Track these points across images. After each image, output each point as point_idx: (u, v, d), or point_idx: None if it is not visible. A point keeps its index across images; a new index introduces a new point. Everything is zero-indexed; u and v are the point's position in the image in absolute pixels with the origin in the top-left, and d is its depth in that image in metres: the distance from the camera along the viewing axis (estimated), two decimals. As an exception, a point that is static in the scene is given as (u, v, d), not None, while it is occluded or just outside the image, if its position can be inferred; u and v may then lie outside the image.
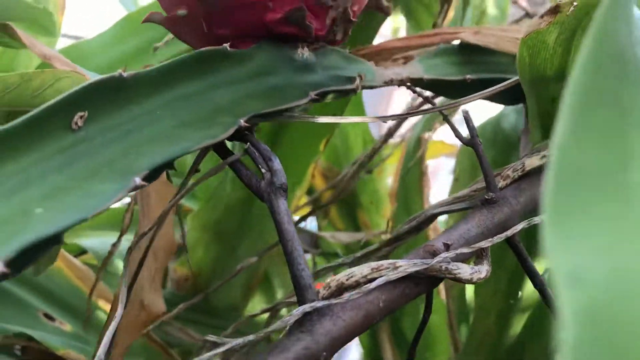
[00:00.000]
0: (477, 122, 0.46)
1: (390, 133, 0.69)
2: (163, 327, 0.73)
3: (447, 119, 0.41)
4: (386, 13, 0.46)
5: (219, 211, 0.77)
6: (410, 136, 0.83)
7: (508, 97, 0.48)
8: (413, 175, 0.80)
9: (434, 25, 0.60)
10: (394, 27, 0.99)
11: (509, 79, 0.46)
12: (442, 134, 0.94)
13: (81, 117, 0.34)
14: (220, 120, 0.38)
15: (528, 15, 0.62)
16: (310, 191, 0.87)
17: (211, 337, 0.51)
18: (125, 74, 0.35)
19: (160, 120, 0.36)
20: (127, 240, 0.86)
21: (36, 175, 0.32)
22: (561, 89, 0.43)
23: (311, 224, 0.95)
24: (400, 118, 0.53)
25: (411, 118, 0.85)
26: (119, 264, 0.83)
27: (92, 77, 0.51)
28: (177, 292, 0.81)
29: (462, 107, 0.40)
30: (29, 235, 0.30)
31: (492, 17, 0.69)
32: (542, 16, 0.41)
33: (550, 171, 0.18)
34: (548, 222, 0.17)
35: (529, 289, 0.57)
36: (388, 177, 0.94)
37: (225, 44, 0.38)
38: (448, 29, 0.56)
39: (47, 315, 0.72)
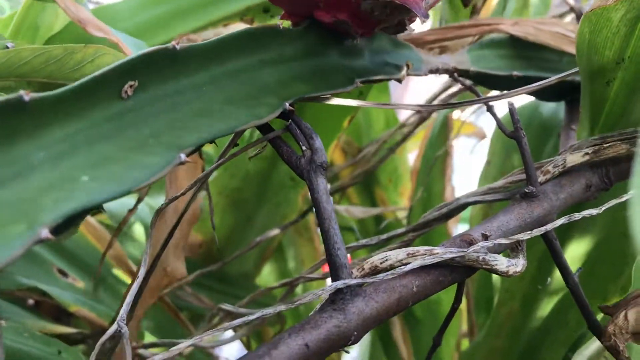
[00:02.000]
0: (503, 112, 0.46)
1: (424, 118, 0.68)
2: (175, 291, 0.74)
3: (491, 111, 0.41)
4: (465, 4, 0.44)
5: (237, 180, 0.77)
6: (437, 116, 0.83)
7: (552, 94, 0.48)
8: (437, 155, 0.80)
9: (472, 14, 0.59)
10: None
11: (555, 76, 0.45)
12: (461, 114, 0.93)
13: (131, 86, 0.34)
14: (266, 101, 0.37)
15: (573, 10, 0.61)
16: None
17: (226, 306, 0.51)
18: (178, 46, 0.34)
19: (208, 95, 0.36)
20: (144, 204, 0.87)
21: (84, 142, 0.32)
22: (617, 72, 0.42)
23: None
24: (444, 107, 0.52)
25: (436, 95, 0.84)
26: (136, 228, 0.83)
27: (125, 39, 0.51)
28: (191, 258, 0.82)
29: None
30: (75, 203, 0.30)
31: (533, 6, 0.68)
32: None
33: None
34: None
35: (559, 275, 0.57)
36: (408, 154, 0.94)
37: (278, 22, 0.38)
38: (486, 20, 0.55)
39: (61, 271, 0.73)
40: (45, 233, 0.28)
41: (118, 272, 0.78)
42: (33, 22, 0.68)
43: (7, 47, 0.36)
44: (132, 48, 0.50)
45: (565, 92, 0.52)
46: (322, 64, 0.41)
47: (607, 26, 0.41)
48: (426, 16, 0.38)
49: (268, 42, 0.39)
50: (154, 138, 0.34)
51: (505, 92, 0.42)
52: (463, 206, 0.45)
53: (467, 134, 0.97)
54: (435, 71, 0.44)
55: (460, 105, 0.42)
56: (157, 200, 0.87)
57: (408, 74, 0.43)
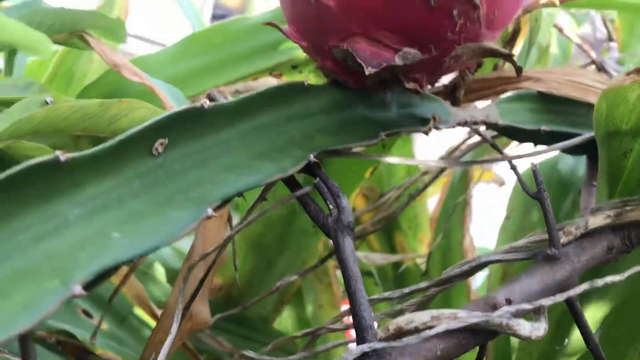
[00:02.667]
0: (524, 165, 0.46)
1: (442, 170, 0.69)
2: (195, 333, 0.74)
3: (515, 170, 0.41)
4: (516, 70, 0.45)
5: (259, 225, 0.78)
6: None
7: (575, 148, 0.48)
8: (457, 204, 0.81)
9: (495, 67, 0.60)
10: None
11: (582, 132, 0.46)
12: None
13: (162, 143, 0.35)
14: (292, 154, 0.38)
15: (594, 62, 0.62)
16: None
17: (248, 353, 0.51)
18: (206, 105, 0.36)
19: (236, 150, 0.37)
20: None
21: (116, 198, 0.33)
22: (634, 144, 0.43)
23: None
24: (468, 165, 0.53)
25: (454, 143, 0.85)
26: (157, 268, 0.84)
27: (161, 86, 0.52)
28: (211, 301, 0.82)
29: (532, 160, 0.41)
30: (107, 259, 0.31)
31: (553, 56, 0.69)
32: (628, 73, 0.41)
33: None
34: None
35: (577, 336, 0.57)
36: (428, 201, 0.94)
37: (304, 80, 0.39)
38: (510, 74, 0.55)
39: (86, 312, 0.73)
40: (78, 290, 0.29)
41: (139, 312, 0.79)
42: (69, 68, 0.70)
43: (47, 103, 0.37)
44: (168, 95, 0.51)
45: (588, 146, 0.52)
46: (348, 117, 0.42)
47: (624, 103, 0.43)
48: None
49: (294, 98, 0.40)
50: (182, 193, 0.35)
51: (529, 152, 0.42)
52: (484, 264, 0.45)
53: (487, 180, 0.98)
54: (464, 124, 0.45)
55: (484, 162, 0.42)
56: (179, 242, 0.88)
57: (435, 127, 0.43)
